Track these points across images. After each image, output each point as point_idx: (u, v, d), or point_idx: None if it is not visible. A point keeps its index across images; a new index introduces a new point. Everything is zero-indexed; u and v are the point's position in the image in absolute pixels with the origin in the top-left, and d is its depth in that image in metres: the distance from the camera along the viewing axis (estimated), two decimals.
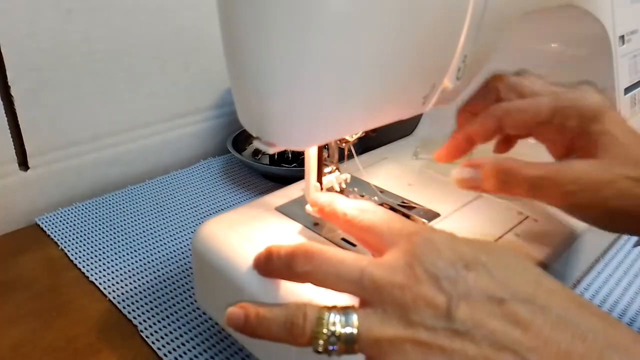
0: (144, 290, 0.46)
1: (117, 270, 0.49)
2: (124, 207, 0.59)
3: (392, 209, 0.41)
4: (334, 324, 0.25)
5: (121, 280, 0.47)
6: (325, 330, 0.25)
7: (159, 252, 0.51)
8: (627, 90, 0.47)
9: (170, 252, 0.51)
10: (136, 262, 0.50)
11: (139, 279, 0.47)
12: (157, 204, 0.59)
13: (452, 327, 0.23)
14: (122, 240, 0.53)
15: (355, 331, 0.24)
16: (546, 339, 0.22)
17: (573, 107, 0.33)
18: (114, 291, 0.46)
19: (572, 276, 0.46)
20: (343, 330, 0.25)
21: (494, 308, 0.23)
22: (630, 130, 0.33)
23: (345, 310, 0.25)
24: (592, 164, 0.32)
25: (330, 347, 0.25)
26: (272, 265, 0.30)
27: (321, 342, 0.25)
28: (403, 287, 0.24)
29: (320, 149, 0.36)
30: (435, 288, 0.24)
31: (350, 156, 0.41)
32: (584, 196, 0.32)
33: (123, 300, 0.45)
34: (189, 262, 0.50)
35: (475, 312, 0.23)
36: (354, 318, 0.25)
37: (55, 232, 0.54)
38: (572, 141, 0.34)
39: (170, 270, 0.49)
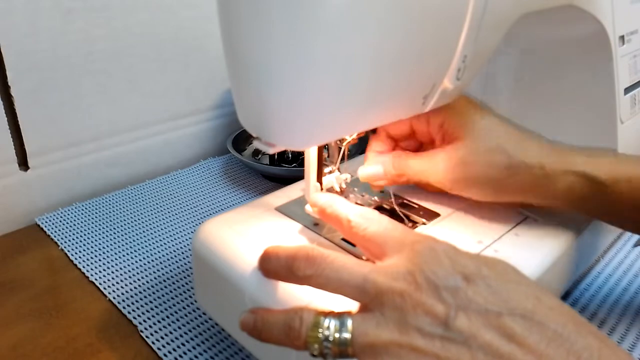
0: (144, 290, 0.46)
1: (117, 270, 0.49)
2: (124, 207, 0.59)
3: (392, 209, 0.41)
4: (328, 328, 0.25)
5: (121, 280, 0.47)
6: (319, 335, 0.25)
7: (159, 252, 0.51)
8: (627, 90, 0.47)
9: (170, 252, 0.51)
10: (136, 262, 0.50)
11: (139, 279, 0.47)
12: (157, 204, 0.59)
13: (448, 336, 0.23)
14: (122, 240, 0.53)
15: (349, 336, 0.25)
16: (541, 354, 0.22)
17: (440, 113, 0.36)
18: (114, 291, 0.46)
19: (573, 276, 0.46)
20: (337, 335, 0.25)
21: (491, 321, 0.23)
22: (496, 121, 0.36)
23: (340, 316, 0.26)
24: (456, 146, 0.36)
25: (325, 351, 0.25)
26: (271, 267, 0.30)
27: (316, 345, 0.25)
28: (403, 294, 0.25)
29: (320, 149, 0.36)
30: (435, 297, 0.24)
31: (351, 156, 0.41)
32: (460, 176, 0.36)
33: (123, 300, 0.45)
34: (189, 262, 0.50)
35: (473, 324, 0.23)
36: (349, 323, 0.25)
37: (55, 232, 0.54)
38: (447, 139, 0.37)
39: (170, 270, 0.49)
